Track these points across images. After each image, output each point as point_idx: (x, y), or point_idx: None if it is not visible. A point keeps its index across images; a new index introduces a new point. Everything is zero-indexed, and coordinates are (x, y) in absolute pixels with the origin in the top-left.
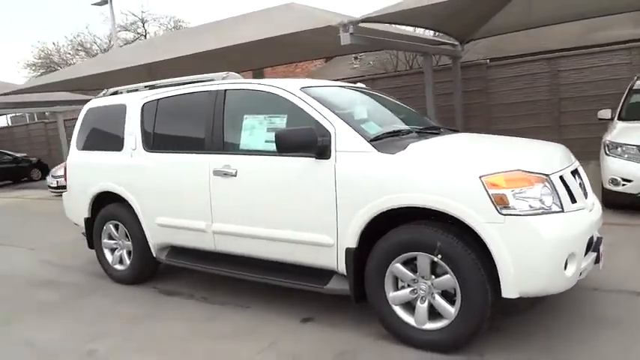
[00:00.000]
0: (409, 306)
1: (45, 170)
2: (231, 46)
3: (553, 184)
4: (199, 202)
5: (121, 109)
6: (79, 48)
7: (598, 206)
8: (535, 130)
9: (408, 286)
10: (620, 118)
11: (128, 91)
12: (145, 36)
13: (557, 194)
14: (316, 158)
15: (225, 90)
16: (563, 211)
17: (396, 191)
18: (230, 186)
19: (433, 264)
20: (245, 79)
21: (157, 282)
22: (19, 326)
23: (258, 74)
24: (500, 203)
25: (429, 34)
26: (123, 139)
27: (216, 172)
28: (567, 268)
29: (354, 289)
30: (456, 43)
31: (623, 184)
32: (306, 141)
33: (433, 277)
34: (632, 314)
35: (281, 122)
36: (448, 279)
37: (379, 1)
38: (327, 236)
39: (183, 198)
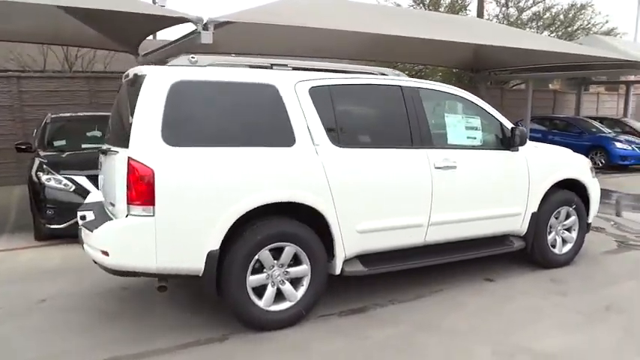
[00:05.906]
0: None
1: None
2: None
3: None
4: (418, 197)
5: (266, 91)
6: None
7: None
8: None
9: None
10: None
11: (251, 66)
12: None
13: None
14: (511, 151)
15: (419, 88)
16: None
17: (557, 170)
18: (451, 178)
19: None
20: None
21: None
22: None
23: None
24: None
25: None
26: (291, 130)
27: (438, 167)
28: None
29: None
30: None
31: None
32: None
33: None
34: None
35: (476, 122)
36: (574, 220)
37: None
38: (520, 207)
39: (396, 196)
